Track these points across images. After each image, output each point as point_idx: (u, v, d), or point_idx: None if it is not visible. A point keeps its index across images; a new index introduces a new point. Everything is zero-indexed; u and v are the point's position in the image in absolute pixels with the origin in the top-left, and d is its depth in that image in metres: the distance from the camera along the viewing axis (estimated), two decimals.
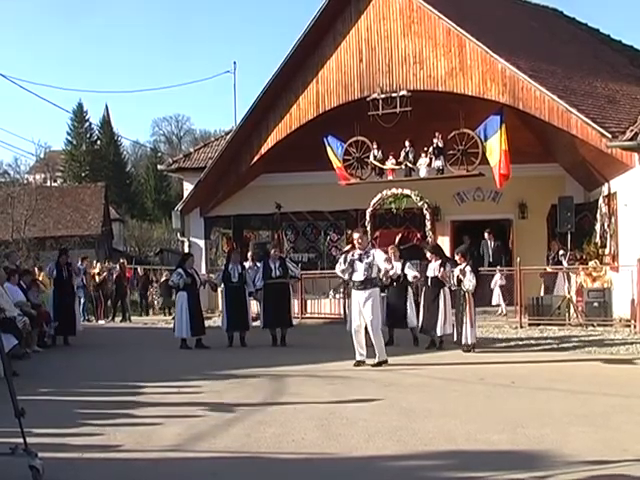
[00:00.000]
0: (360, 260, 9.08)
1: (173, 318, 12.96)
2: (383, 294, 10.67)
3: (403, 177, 15.92)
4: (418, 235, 17.25)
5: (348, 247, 9.52)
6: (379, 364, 9.14)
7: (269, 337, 11.98)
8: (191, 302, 11.78)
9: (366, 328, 9.17)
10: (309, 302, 16.51)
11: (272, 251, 12.40)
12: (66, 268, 12.62)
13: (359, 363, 9.25)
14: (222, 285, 12.21)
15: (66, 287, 12.50)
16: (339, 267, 9.32)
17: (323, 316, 16.07)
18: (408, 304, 11.10)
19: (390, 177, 16.10)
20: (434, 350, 10.65)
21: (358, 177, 16.58)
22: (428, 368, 9.07)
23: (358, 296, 9.18)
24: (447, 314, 10.55)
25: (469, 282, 10.29)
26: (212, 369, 9.24)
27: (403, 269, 11.03)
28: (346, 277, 9.35)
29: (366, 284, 9.09)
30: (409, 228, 17.75)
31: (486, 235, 16.71)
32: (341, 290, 11.84)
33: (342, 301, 15.34)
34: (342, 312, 15.40)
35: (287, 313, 12.03)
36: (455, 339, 10.45)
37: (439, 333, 10.69)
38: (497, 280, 15.17)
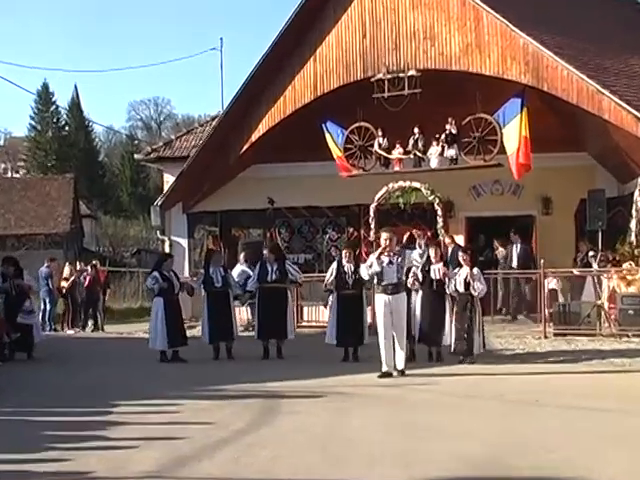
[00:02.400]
0: (391, 262, 9.60)
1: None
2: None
3: (412, 168, 15.95)
4: (429, 234, 17.16)
5: (378, 252, 9.77)
6: (402, 373, 9.61)
7: (260, 349, 12.01)
8: (168, 309, 11.78)
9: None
10: (306, 309, 16.54)
11: (265, 252, 12.41)
12: (13, 285, 12.14)
13: (386, 375, 9.51)
14: (203, 291, 12.26)
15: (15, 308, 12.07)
16: (368, 270, 9.75)
17: (321, 324, 15.90)
18: (411, 313, 10.99)
19: (397, 168, 16.08)
20: (440, 363, 10.71)
21: (361, 168, 16.60)
22: (440, 383, 9.10)
23: (389, 300, 9.64)
24: (451, 322, 10.71)
25: (480, 287, 10.35)
26: (196, 385, 9.25)
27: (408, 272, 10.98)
28: (367, 277, 9.92)
29: (399, 288, 9.73)
30: (418, 226, 17.72)
31: (512, 237, 16.54)
32: (330, 299, 12.01)
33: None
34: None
35: (284, 323, 12.03)
36: (453, 349, 10.53)
37: (445, 343, 10.76)
38: (552, 284, 15.05)
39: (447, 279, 10.59)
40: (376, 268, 9.68)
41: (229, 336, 12.04)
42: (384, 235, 9.84)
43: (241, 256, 15.89)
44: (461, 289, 10.45)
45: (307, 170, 18.38)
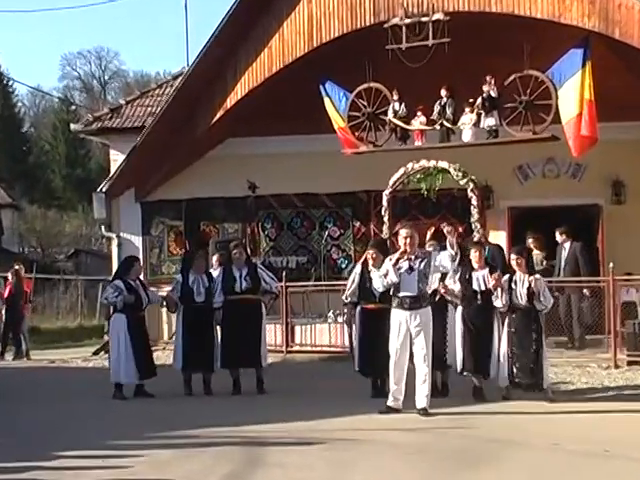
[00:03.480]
0: (411, 269, 9.81)
1: (99, 351, 12.94)
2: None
3: (437, 143, 15.87)
4: (460, 229, 17.10)
5: (396, 255, 9.93)
6: (425, 412, 9.72)
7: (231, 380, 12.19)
8: (134, 330, 11.95)
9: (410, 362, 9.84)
10: (298, 328, 16.61)
11: (234, 252, 12.43)
12: None
13: (390, 410, 9.70)
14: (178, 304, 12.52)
15: None
16: (383, 280, 9.96)
17: (319, 349, 16.20)
18: (448, 336, 11.30)
19: (418, 143, 16.01)
20: (481, 400, 10.79)
21: (370, 143, 16.48)
22: (476, 426, 9.15)
23: (406, 318, 9.83)
24: (510, 347, 10.79)
25: (549, 299, 10.44)
26: (156, 429, 9.28)
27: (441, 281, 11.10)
28: (381, 289, 10.20)
29: (421, 301, 9.86)
30: (446, 219, 17.52)
31: (559, 237, 16.33)
32: (344, 312, 12.04)
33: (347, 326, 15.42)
34: (347, 343, 15.29)
35: (255, 345, 12.16)
36: (510, 381, 10.61)
37: (495, 374, 10.81)
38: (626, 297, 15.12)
39: (499, 290, 10.66)
40: (393, 278, 9.84)
41: (208, 366, 12.18)
42: (403, 232, 9.99)
43: (214, 259, 15.83)
44: (523, 302, 10.54)
45: (300, 145, 18.32)
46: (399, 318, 9.90)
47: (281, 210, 19.23)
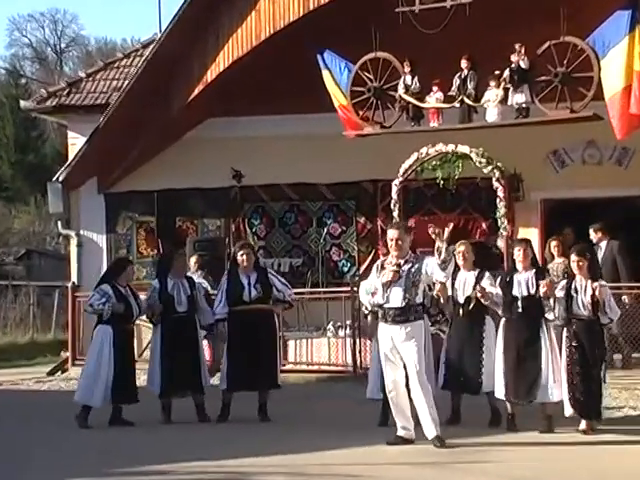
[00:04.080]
0: (400, 276, 9.71)
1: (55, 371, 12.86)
2: (434, 329, 11.24)
3: (457, 124, 15.77)
4: (483, 225, 17.25)
5: (390, 273, 9.78)
6: (439, 441, 9.61)
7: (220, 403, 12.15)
8: (119, 345, 11.98)
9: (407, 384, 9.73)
10: (292, 344, 16.51)
11: (239, 254, 12.29)
12: None
13: (399, 440, 9.74)
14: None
15: None
16: (370, 298, 10.04)
17: (317, 368, 16.19)
18: (485, 353, 11.28)
19: (434, 123, 15.89)
20: (514, 429, 10.72)
21: (377, 124, 16.34)
22: (501, 460, 9.07)
23: (392, 333, 9.83)
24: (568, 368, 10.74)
25: (613, 310, 10.46)
26: (119, 463, 9.21)
27: (476, 285, 11.20)
28: (370, 303, 10.20)
29: (408, 314, 9.79)
30: (468, 213, 17.68)
31: (593, 236, 15.91)
32: (355, 325, 11.95)
33: (350, 341, 15.44)
34: (350, 361, 15.47)
35: (270, 364, 12.20)
36: (571, 408, 10.50)
37: (543, 400, 10.76)
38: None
39: (552, 299, 10.60)
40: (379, 300, 9.87)
41: (196, 388, 12.22)
42: (390, 233, 10.00)
43: (192, 261, 15.88)
44: (586, 313, 10.51)
45: (293, 127, 18.35)
46: (386, 334, 9.95)
47: (271, 203, 19.13)
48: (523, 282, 10.79)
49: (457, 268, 10.84)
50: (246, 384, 12.03)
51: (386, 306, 9.85)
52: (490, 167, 15.75)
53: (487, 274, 11.24)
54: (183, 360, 12.15)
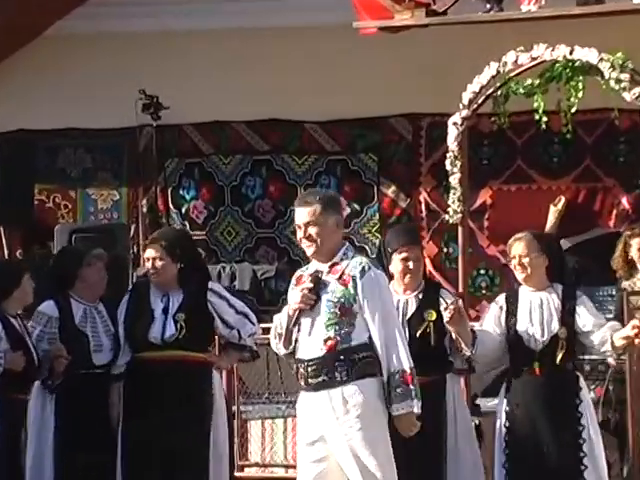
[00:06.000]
0: (319, 299, 7.15)
1: None
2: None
3: (572, 8, 12.05)
4: (624, 201, 13.43)
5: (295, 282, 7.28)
6: None
7: None
8: (8, 434, 9.32)
9: None
10: (255, 429, 12.56)
11: (147, 255, 9.52)
12: None
13: None
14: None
15: None
16: (277, 341, 7.75)
17: (293, 468, 13.08)
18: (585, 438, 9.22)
19: (527, 7, 12.16)
20: None
21: (421, 5, 12.41)
22: None
23: (313, 408, 7.31)
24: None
25: None
26: None
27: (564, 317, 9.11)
28: (283, 352, 7.95)
29: (340, 373, 7.28)
30: (593, 180, 13.71)
31: None
32: None
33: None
34: None
35: (198, 460, 9.35)
36: None
37: None
38: None
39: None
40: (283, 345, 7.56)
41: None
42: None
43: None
44: None
45: (254, 14, 13.45)
46: (305, 411, 7.76)
47: (217, 159, 13.91)
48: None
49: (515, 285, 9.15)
50: None
51: (299, 357, 7.34)
52: (637, 91, 11.73)
53: (585, 298, 8.85)
54: (95, 466, 9.34)
